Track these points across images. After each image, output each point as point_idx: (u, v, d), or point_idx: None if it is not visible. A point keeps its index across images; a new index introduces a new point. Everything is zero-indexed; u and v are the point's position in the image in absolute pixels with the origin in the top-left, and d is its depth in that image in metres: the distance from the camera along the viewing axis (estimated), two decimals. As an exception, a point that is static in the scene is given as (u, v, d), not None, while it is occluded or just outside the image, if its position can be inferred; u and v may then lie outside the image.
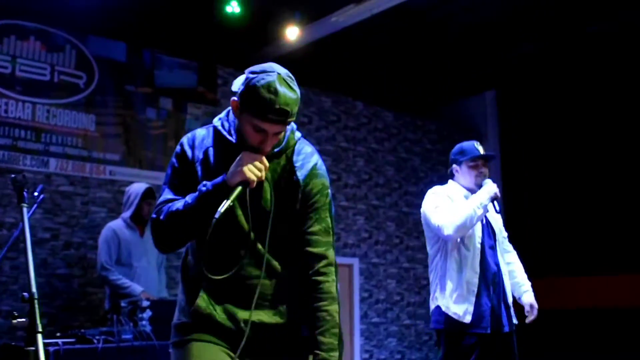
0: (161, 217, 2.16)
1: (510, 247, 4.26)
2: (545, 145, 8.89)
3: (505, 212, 9.25)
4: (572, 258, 8.40)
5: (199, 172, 2.24)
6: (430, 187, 4.31)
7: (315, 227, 2.24)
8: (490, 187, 3.91)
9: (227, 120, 2.30)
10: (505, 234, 4.24)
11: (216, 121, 2.32)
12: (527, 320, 4.04)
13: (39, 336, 1.88)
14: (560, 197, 8.65)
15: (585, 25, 7.52)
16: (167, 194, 2.25)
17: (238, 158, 2.14)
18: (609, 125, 8.18)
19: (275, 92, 2.10)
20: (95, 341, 4.12)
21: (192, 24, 6.56)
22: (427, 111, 9.28)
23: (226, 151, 2.23)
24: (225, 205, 2.05)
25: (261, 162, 2.13)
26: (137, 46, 6.33)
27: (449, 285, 3.88)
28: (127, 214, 5.26)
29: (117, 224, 5.25)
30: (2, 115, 5.46)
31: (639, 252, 7.68)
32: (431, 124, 9.05)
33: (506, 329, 3.87)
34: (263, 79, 2.10)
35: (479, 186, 4.00)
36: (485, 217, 3.99)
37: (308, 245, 2.23)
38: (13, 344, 4.29)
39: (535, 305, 4.07)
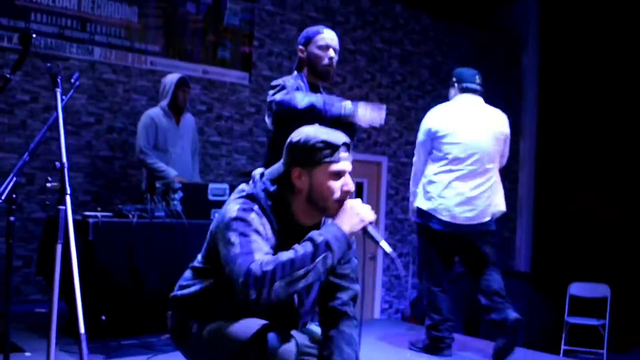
0: (270, 268, 2.06)
1: None
2: (585, 55, 8.86)
3: (538, 124, 9.40)
4: (596, 172, 8.55)
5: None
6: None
7: None
8: None
9: (272, 196, 2.34)
10: None
11: (262, 199, 2.32)
12: None
13: (68, 197, 2.24)
14: (595, 114, 8.69)
15: None
16: (259, 250, 2.16)
17: (345, 211, 2.26)
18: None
19: (330, 131, 2.32)
20: (130, 216, 4.55)
21: None
22: (466, 17, 9.29)
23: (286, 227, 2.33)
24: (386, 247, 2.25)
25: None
26: (179, -60, 6.51)
27: None
28: (164, 102, 5.60)
29: (155, 111, 5.60)
30: (50, 4, 5.76)
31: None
32: (469, 29, 9.09)
33: None
34: (309, 131, 2.32)
35: None
36: None
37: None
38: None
39: None
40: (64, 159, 2.27)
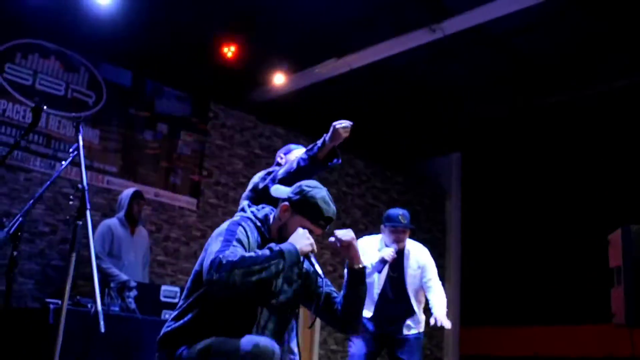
0: (233, 259, 2.48)
1: (433, 285, 5.37)
2: (502, 204, 9.75)
3: (462, 264, 10.05)
4: (518, 308, 9.17)
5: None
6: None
7: None
8: (384, 252, 5.11)
9: (259, 220, 2.85)
10: (430, 277, 5.37)
11: (252, 219, 2.85)
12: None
13: (88, 212, 2.64)
14: (514, 253, 9.46)
15: (543, 95, 8.52)
16: (235, 251, 2.57)
17: (299, 234, 2.71)
18: (561, 189, 9.05)
19: (328, 204, 2.84)
20: (88, 306, 4.80)
21: (192, 60, 7.43)
22: (396, 164, 10.15)
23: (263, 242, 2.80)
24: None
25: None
26: (141, 75, 7.18)
27: None
28: (120, 214, 6.00)
29: (112, 221, 5.97)
30: (21, 120, 6.23)
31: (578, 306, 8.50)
32: (399, 176, 9.91)
33: (397, 335, 5.28)
34: (318, 192, 2.83)
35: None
36: (392, 269, 5.28)
37: None
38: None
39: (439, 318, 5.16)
40: (85, 183, 2.69)
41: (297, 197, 2.82)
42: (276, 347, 2.54)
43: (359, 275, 2.93)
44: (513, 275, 9.31)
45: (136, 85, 7.14)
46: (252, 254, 2.57)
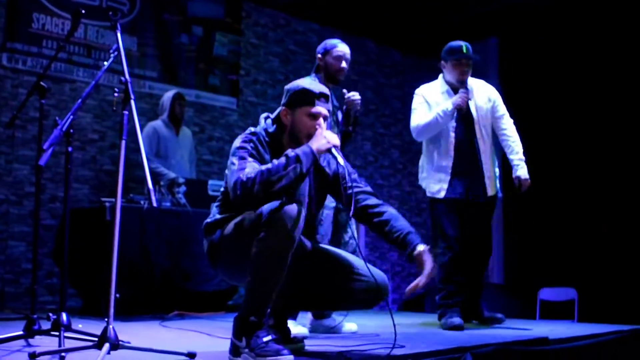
0: (252, 175, 2.67)
1: (506, 123, 4.92)
2: (542, 94, 9.65)
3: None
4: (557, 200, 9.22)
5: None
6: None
7: None
8: (456, 97, 4.64)
9: (269, 134, 3.00)
10: (503, 112, 4.91)
11: (263, 135, 2.98)
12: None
13: (132, 102, 2.84)
14: (555, 143, 9.43)
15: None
16: (250, 167, 2.76)
17: (316, 135, 2.84)
18: (607, 77, 8.88)
19: (314, 84, 3.02)
20: (141, 202, 5.11)
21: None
22: (433, 53, 10.09)
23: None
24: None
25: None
26: (172, -21, 7.27)
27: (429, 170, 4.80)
28: (164, 116, 6.23)
29: (157, 123, 6.22)
30: (60, 32, 6.41)
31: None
32: (436, 64, 9.88)
33: (481, 199, 4.70)
34: (300, 81, 3.04)
35: (461, 83, 4.76)
36: (467, 110, 4.69)
37: None
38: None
39: (523, 178, 4.73)
40: (127, 77, 2.88)
41: (286, 97, 3.02)
42: (301, 207, 2.70)
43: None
44: (550, 166, 9.33)
45: (168, -10, 7.24)
46: (269, 165, 2.71)
